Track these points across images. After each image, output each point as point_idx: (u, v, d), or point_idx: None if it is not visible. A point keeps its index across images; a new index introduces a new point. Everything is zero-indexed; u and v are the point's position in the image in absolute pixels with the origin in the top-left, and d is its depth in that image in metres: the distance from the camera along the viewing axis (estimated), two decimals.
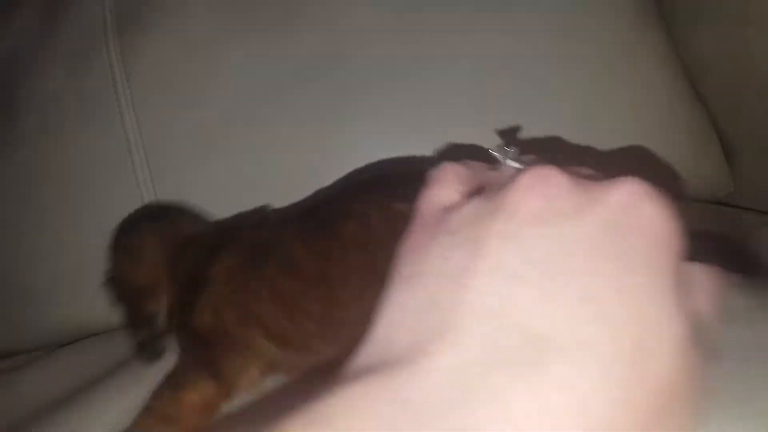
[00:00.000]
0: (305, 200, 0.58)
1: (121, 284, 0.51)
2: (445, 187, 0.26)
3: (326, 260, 0.43)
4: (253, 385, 0.43)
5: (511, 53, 0.62)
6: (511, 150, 0.27)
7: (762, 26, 0.57)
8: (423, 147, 0.60)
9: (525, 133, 0.61)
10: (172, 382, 0.42)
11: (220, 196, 0.61)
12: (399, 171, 0.45)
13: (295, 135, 0.62)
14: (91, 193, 0.62)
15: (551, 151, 0.60)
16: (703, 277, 0.22)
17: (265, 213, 0.57)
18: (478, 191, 0.24)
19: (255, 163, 0.61)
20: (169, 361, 0.46)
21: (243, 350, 0.43)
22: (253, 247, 0.46)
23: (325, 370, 0.42)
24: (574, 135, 0.61)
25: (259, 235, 0.48)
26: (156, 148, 0.62)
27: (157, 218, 0.55)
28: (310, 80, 0.62)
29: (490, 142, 0.57)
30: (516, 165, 0.26)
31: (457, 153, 0.59)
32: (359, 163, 0.60)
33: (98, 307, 0.56)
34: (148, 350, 0.48)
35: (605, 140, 0.61)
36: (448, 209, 0.24)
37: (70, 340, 0.62)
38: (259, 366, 0.43)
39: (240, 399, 0.43)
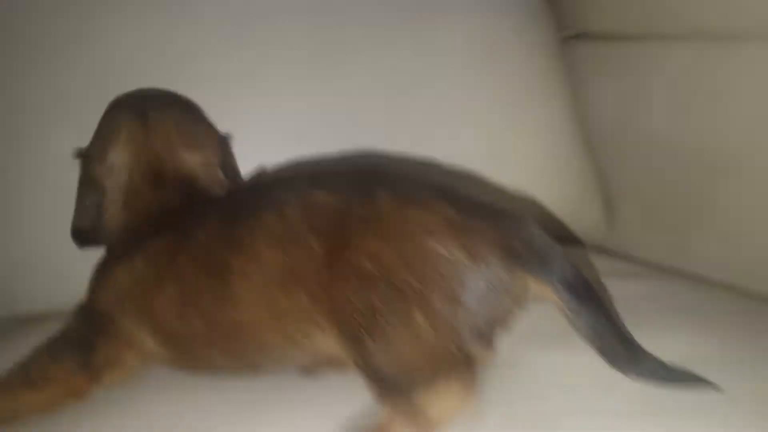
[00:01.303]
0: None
1: (89, 159, 0.47)
2: None
3: (232, 251, 0.38)
4: (125, 376, 0.42)
5: (422, 76, 0.62)
6: None
7: (663, 98, 0.61)
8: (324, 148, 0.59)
9: (424, 154, 0.61)
10: (52, 348, 0.41)
11: None
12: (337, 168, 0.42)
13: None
14: None
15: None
16: None
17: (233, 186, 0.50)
18: None
19: None
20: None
21: (123, 345, 0.41)
22: (179, 229, 0.41)
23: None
24: (471, 164, 0.61)
25: (190, 214, 0.43)
26: None
27: (156, 110, 0.48)
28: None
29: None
30: None
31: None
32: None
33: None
34: (81, 235, 0.47)
35: (495, 171, 0.62)
36: None
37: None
38: (136, 361, 0.42)
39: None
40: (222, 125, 0.53)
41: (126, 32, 0.58)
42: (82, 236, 0.48)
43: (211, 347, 0.40)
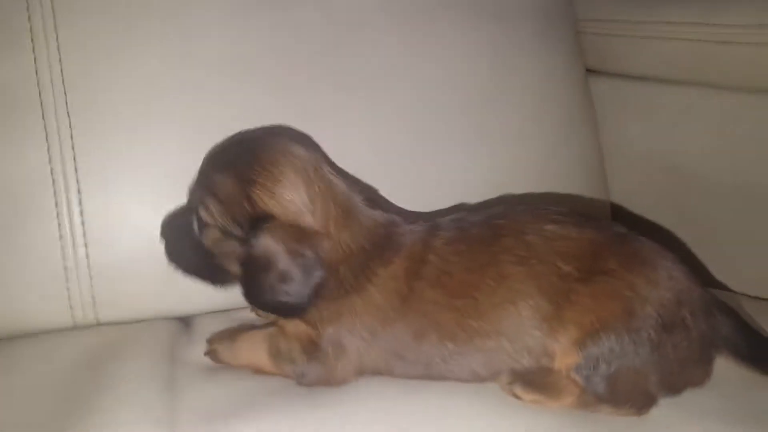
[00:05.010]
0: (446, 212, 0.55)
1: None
2: None
3: (475, 272, 0.45)
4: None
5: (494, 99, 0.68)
6: None
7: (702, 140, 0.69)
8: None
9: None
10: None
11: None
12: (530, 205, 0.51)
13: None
14: None
15: None
16: None
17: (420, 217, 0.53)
18: None
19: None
20: None
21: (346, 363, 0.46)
22: (412, 256, 0.47)
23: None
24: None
25: (421, 243, 0.48)
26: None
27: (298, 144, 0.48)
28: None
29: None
30: None
31: None
32: None
33: None
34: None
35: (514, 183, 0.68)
36: None
37: None
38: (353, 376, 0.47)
39: None
40: None
41: None
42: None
43: (442, 358, 0.45)
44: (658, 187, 0.74)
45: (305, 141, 0.53)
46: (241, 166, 0.45)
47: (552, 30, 0.74)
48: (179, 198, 0.51)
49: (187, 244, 0.47)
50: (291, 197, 0.44)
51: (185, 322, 0.56)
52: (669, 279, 0.44)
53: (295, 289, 0.43)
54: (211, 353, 0.49)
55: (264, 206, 0.44)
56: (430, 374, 0.46)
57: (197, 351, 0.50)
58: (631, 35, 0.73)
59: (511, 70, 0.69)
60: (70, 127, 0.51)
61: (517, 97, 0.69)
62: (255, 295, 0.45)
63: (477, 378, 0.46)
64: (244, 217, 0.44)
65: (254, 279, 0.44)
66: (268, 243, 0.43)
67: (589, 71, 0.79)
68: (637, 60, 0.74)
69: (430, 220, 0.51)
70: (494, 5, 0.69)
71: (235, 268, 0.46)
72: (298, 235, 0.44)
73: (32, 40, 0.51)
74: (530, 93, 0.70)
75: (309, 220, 0.45)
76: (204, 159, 0.47)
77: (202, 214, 0.45)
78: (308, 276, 0.43)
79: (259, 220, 0.43)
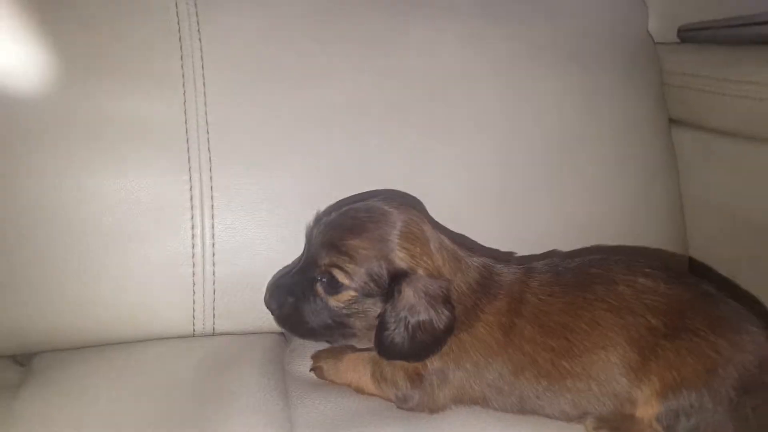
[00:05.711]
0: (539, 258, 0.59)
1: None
2: None
3: (570, 315, 0.49)
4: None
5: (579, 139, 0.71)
6: None
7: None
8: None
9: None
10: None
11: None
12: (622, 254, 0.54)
13: None
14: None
15: None
16: None
17: (512, 260, 0.59)
18: None
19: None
20: None
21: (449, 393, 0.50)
22: (512, 294, 0.51)
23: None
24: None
25: (519, 283, 0.52)
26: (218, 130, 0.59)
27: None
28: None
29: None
30: None
31: None
32: None
33: None
34: None
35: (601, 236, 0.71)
36: None
37: None
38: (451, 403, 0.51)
39: None
40: None
41: None
42: None
43: (536, 394, 0.49)
44: (737, 242, 0.74)
45: (415, 202, 0.60)
46: (374, 231, 0.49)
47: (638, 79, 0.77)
48: (297, 229, 0.58)
49: (305, 308, 0.50)
50: (421, 252, 0.49)
51: (285, 336, 0.62)
52: (753, 344, 0.46)
53: (435, 334, 0.47)
54: (316, 370, 0.55)
55: (401, 263, 0.48)
56: (523, 408, 0.50)
57: (302, 365, 0.56)
58: (716, 92, 0.74)
59: (597, 117, 0.72)
60: (209, 161, 0.59)
61: (602, 143, 0.72)
62: (393, 346, 0.48)
63: (565, 416, 0.49)
64: (381, 276, 0.48)
65: (395, 331, 0.47)
66: (410, 296, 0.47)
67: (672, 121, 0.81)
68: (721, 116, 0.75)
69: (523, 262, 0.55)
70: (584, 53, 0.74)
71: (362, 324, 0.50)
72: (432, 284, 0.48)
73: (183, 84, 0.59)
74: (615, 139, 0.73)
75: (437, 270, 0.49)
76: (322, 227, 0.51)
77: (338, 276, 0.48)
78: (445, 320, 0.48)
79: (397, 277, 0.48)
